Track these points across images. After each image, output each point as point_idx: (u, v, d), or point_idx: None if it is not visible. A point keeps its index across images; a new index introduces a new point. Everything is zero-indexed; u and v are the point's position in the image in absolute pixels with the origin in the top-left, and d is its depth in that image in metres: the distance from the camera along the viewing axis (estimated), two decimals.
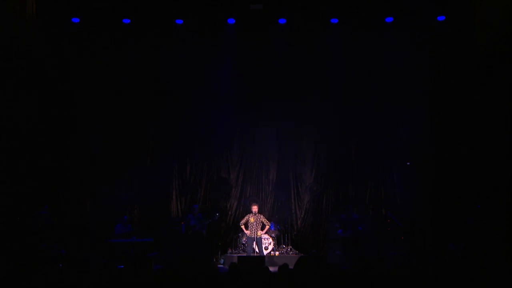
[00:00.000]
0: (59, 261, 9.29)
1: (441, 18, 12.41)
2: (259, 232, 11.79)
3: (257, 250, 11.77)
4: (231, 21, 12.79)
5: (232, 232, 13.01)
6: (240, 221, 12.14)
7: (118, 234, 11.32)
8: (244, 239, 12.40)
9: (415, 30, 12.66)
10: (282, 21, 12.75)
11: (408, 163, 12.56)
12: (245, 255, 11.55)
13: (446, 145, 12.41)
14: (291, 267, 6.60)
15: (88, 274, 6.57)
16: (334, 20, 12.72)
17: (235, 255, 11.91)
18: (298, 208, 13.35)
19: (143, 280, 6.33)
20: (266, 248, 12.26)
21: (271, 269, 6.91)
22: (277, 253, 12.43)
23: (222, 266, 12.10)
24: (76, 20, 12.45)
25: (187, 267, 6.90)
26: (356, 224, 11.24)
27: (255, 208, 11.88)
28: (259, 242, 11.79)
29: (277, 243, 12.63)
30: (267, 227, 12.00)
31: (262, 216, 11.93)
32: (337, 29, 12.85)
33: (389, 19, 12.63)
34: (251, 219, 11.79)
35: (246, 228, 11.89)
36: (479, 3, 10.73)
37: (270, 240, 12.41)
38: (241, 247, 12.48)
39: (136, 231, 11.59)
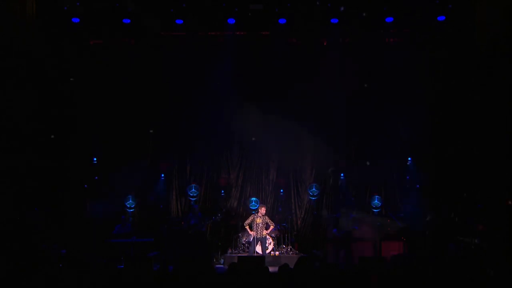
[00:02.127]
0: (59, 261, 9.32)
1: (441, 18, 12.39)
2: (264, 232, 11.76)
3: (258, 250, 11.77)
4: (231, 21, 12.78)
5: (232, 232, 13.00)
6: (245, 221, 12.04)
7: (117, 234, 11.33)
8: (244, 239, 12.39)
9: (415, 30, 12.66)
10: (282, 21, 12.74)
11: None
12: (245, 255, 11.54)
13: (446, 145, 12.41)
14: (291, 267, 6.60)
15: (88, 274, 6.56)
16: (334, 20, 12.71)
17: (235, 255, 11.89)
18: (298, 208, 13.34)
19: (143, 280, 6.32)
20: (266, 248, 12.24)
21: (271, 269, 6.90)
22: (277, 253, 12.41)
23: (221, 266, 12.09)
24: (76, 20, 12.45)
25: (187, 267, 6.89)
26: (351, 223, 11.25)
27: (263, 210, 11.84)
28: (263, 241, 11.77)
29: (277, 243, 12.62)
30: (272, 227, 11.97)
31: (267, 217, 11.90)
32: (337, 29, 12.86)
33: (389, 19, 12.62)
34: (258, 220, 11.73)
35: (251, 228, 11.86)
36: (479, 3, 10.74)
37: (270, 240, 12.40)
38: (241, 247, 12.47)
39: (136, 231, 11.60)
